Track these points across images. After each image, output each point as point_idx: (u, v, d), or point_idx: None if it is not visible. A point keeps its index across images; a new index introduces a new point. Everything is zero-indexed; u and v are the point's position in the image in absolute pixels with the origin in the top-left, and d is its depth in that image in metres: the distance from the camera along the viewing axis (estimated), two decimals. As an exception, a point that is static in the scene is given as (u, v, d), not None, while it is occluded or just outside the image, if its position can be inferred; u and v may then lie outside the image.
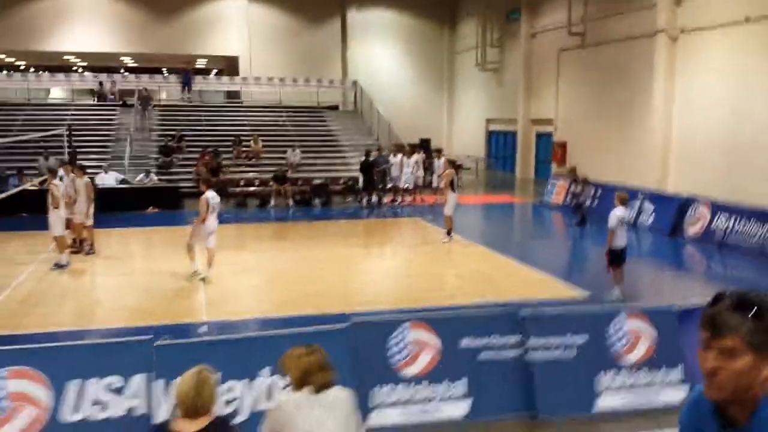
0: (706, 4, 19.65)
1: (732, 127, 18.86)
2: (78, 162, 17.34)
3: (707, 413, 2.00)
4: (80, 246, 13.88)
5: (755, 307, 1.84)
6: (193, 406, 3.71)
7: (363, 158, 22.23)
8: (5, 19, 30.51)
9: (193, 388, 3.74)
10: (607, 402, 6.57)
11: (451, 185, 15.51)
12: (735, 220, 14.84)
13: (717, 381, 1.87)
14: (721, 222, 15.15)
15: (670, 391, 6.69)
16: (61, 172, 14.37)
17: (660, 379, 6.72)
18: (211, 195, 11.49)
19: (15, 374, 5.41)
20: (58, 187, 12.76)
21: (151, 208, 20.17)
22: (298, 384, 3.85)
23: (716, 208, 15.51)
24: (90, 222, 13.81)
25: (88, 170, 19.35)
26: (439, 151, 25.56)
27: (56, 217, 12.49)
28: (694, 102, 20.30)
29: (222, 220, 18.38)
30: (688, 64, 20.45)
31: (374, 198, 22.04)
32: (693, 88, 20.32)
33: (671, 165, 21.22)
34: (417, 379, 6.29)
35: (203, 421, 3.70)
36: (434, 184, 22.86)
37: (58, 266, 12.41)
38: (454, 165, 16.88)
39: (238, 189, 21.97)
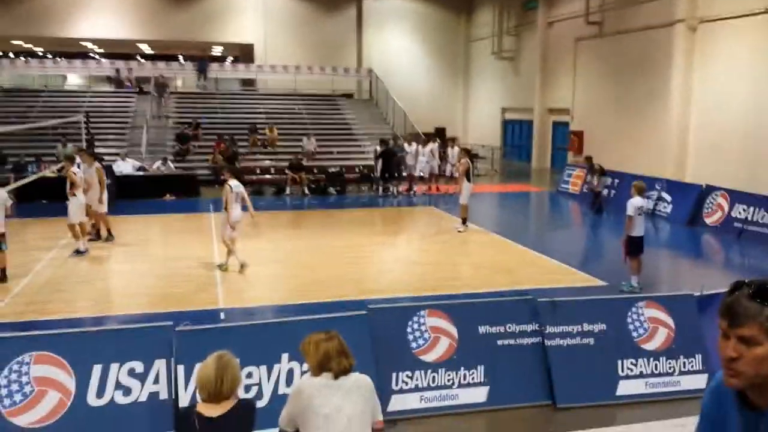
0: (725, -6, 19.44)
1: (751, 117, 18.67)
2: (88, 149, 17.44)
3: (729, 399, 2.00)
4: (98, 233, 13.99)
5: None
6: (215, 391, 3.76)
7: (383, 147, 22.13)
8: (23, 5, 30.69)
9: (214, 372, 3.78)
10: (626, 390, 6.58)
11: (467, 175, 15.50)
12: (754, 210, 14.74)
13: (736, 369, 1.87)
14: (740, 212, 15.05)
15: (690, 378, 6.68)
16: (77, 158, 14.46)
17: (680, 367, 6.72)
18: (234, 184, 11.41)
19: (38, 359, 5.49)
20: (77, 173, 12.84)
21: (168, 195, 20.29)
22: (317, 369, 3.89)
23: (735, 197, 15.40)
24: (103, 209, 13.86)
25: (106, 157, 19.56)
26: (453, 140, 25.49)
27: (75, 204, 12.60)
28: (712, 92, 20.11)
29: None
30: (707, 55, 20.25)
31: (391, 187, 22.06)
32: (712, 78, 20.12)
33: (689, 155, 21.06)
34: (435, 366, 6.33)
35: (227, 405, 3.74)
36: (448, 173, 22.86)
37: (78, 253, 12.54)
38: (470, 154, 16.82)
39: (254, 177, 22.06)
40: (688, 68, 20.79)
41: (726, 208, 15.49)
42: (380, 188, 22.03)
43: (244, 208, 11.61)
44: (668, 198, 17.28)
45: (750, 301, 1.85)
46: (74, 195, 12.59)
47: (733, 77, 19.27)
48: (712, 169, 19.32)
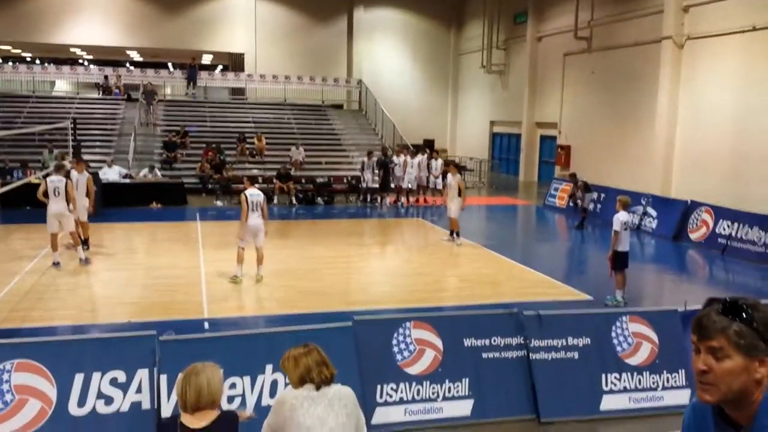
0: (713, 12, 19.65)
1: (737, 133, 18.86)
2: (75, 155, 17.29)
3: (709, 416, 2.02)
4: (85, 241, 13.80)
5: (743, 310, 1.88)
6: (182, 402, 3.76)
7: (381, 157, 22.22)
8: (12, 10, 30.54)
9: (182, 383, 3.78)
10: (610, 404, 6.60)
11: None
12: (738, 226, 14.86)
13: (707, 382, 1.90)
14: (725, 228, 15.17)
15: (674, 394, 6.71)
16: (68, 165, 14.27)
17: (663, 382, 6.74)
18: (250, 192, 11.35)
19: (19, 367, 5.44)
20: (47, 183, 12.50)
21: (154, 203, 20.21)
22: (298, 383, 3.88)
23: (719, 213, 15.53)
24: (83, 218, 13.52)
25: (92, 164, 19.42)
26: (437, 152, 25.51)
27: (47, 213, 12.42)
28: (699, 108, 20.30)
29: (225, 216, 18.55)
30: (694, 71, 20.45)
31: (379, 198, 22.12)
32: (698, 94, 20.32)
33: (675, 170, 21.22)
34: (420, 378, 6.32)
35: (210, 416, 3.73)
36: (431, 185, 22.90)
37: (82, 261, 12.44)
38: (458, 168, 16.77)
39: (241, 186, 21.96)
40: (675, 84, 20.99)
41: (711, 224, 15.61)
42: (379, 199, 22.05)
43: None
44: (653, 213, 17.40)
45: (719, 315, 1.89)
46: (45, 205, 12.43)
47: (720, 94, 19.47)
48: (697, 184, 19.49)
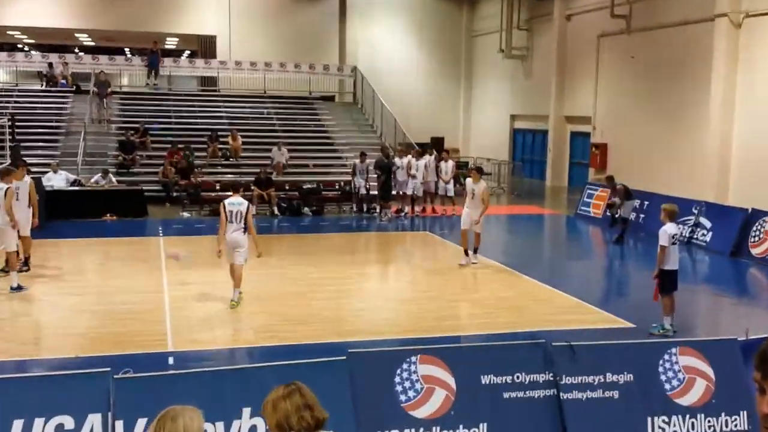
0: (775, -17, 19.77)
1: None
2: (17, 159, 17.32)
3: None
4: (25, 261, 13.77)
5: None
6: None
7: (380, 160, 22.27)
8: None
9: (153, 429, 3.76)
10: (656, 454, 6.58)
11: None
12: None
13: None
14: (793, 242, 15.19)
15: (733, 440, 6.69)
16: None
17: (721, 426, 6.72)
18: (230, 201, 11.45)
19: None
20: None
21: (108, 215, 20.22)
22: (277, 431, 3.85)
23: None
24: (26, 232, 13.56)
25: (34, 168, 19.45)
26: (447, 152, 25.34)
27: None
28: (760, 98, 20.34)
29: (193, 231, 18.56)
30: (754, 55, 20.52)
31: (378, 208, 22.10)
32: (759, 81, 20.37)
33: (732, 174, 21.26)
34: (428, 423, 6.29)
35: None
36: (441, 191, 22.74)
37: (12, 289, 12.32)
38: (481, 173, 16.57)
39: (213, 194, 22.02)
40: (731, 71, 21.05)
41: (776, 236, 15.63)
42: (379, 208, 22.05)
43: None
44: (707, 224, 17.39)
45: None
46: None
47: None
48: (759, 190, 19.48)
